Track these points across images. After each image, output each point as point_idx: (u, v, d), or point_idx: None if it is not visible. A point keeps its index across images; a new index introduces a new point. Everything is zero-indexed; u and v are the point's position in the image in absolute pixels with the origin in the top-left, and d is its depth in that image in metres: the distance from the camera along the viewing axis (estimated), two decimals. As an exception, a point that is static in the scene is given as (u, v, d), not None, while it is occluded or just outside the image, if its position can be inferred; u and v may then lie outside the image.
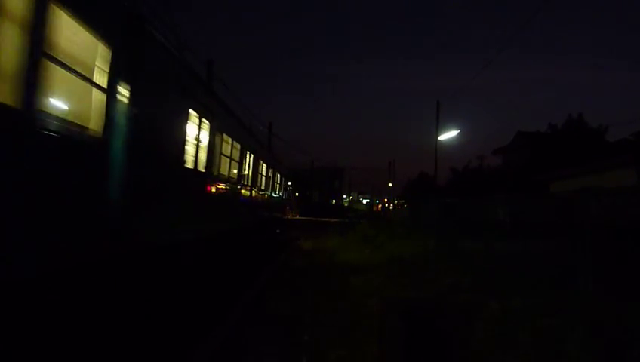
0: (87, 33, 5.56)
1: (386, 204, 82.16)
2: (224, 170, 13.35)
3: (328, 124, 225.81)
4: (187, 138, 9.67)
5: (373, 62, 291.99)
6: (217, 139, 12.15)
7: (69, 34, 5.50)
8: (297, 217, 71.02)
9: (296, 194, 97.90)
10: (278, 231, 30.64)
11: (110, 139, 6.13)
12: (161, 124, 8.22)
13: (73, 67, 5.18)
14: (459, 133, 28.59)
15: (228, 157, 13.71)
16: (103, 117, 5.97)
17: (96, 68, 5.95)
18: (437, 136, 29.12)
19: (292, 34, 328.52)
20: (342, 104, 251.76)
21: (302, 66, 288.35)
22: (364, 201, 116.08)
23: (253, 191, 18.76)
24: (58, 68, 4.87)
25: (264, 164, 21.94)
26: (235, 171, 15.18)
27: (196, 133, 10.31)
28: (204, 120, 10.78)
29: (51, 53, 4.73)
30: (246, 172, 16.95)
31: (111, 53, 5.99)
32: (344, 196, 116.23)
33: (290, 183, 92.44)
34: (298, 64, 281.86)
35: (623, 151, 18.40)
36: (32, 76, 4.47)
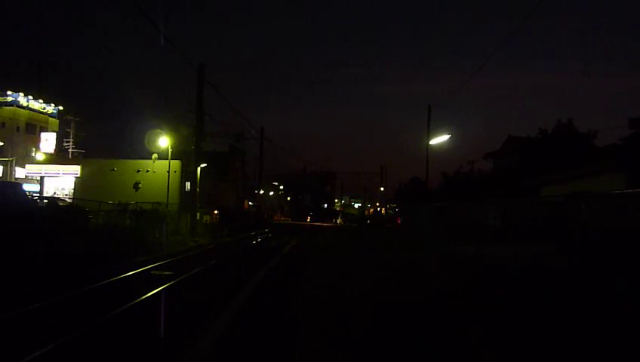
0: None
1: (378, 208, 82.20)
2: None
3: (320, 128, 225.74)
4: None
5: (364, 66, 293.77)
6: None
7: None
8: (289, 221, 71.47)
9: (288, 198, 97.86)
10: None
11: None
12: None
13: None
14: (450, 137, 28.69)
15: None
16: None
17: None
18: (428, 141, 29.18)
19: (283, 37, 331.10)
20: (333, 108, 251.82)
21: (292, 70, 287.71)
22: (356, 206, 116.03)
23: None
24: None
25: None
26: None
27: None
28: None
29: None
30: None
31: None
32: (336, 200, 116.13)
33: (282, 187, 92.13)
34: (289, 67, 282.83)
35: (612, 155, 18.54)
36: None
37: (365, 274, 10.59)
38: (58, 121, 59.89)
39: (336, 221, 68.60)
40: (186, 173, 35.93)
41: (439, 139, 28.91)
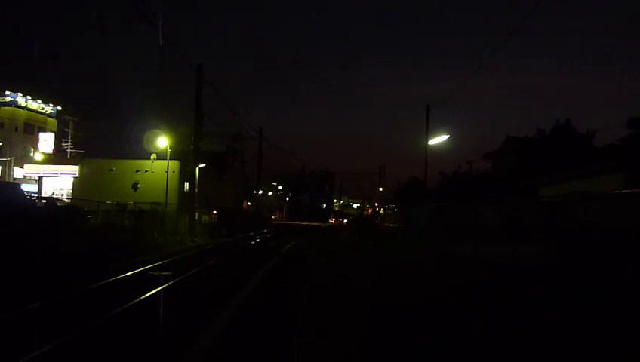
0: None
1: (377, 209, 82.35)
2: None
3: (320, 128, 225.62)
4: None
5: (364, 66, 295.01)
6: None
7: None
8: (288, 221, 71.59)
9: (287, 198, 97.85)
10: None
11: None
12: None
13: None
14: (449, 137, 28.74)
15: None
16: None
17: None
18: (427, 141, 29.20)
19: (281, 37, 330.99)
20: (333, 108, 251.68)
21: (291, 70, 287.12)
22: (355, 206, 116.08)
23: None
24: None
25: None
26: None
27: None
28: None
29: None
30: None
31: None
32: (334, 200, 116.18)
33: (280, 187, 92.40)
34: (287, 67, 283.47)
35: (611, 156, 18.57)
36: None
37: (364, 274, 10.58)
38: (56, 121, 59.81)
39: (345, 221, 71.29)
40: (185, 173, 35.88)
41: (438, 139, 28.94)
